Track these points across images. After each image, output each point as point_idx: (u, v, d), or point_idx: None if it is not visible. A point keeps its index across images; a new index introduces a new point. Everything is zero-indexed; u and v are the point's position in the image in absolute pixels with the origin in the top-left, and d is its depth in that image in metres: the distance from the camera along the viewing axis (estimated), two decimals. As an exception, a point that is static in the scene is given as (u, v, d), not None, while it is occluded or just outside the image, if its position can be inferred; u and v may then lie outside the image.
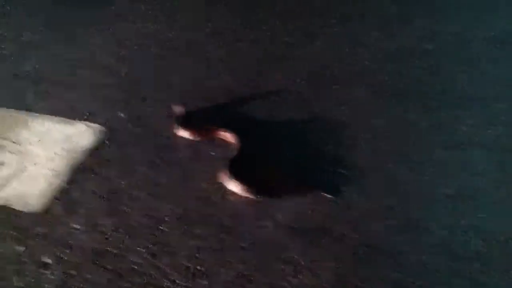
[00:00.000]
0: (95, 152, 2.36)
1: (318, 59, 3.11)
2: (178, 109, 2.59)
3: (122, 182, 2.19)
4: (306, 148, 2.37)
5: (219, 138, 2.43)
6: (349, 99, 2.72)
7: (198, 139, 2.43)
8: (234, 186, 2.11)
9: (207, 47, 3.25)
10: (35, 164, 2.30)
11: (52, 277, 1.81)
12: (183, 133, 2.45)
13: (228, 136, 2.41)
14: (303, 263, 1.83)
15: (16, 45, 3.25)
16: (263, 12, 3.66)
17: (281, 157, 2.34)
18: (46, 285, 1.78)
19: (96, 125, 2.54)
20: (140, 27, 3.47)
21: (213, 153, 2.36)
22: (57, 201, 2.11)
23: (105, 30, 3.42)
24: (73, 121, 2.57)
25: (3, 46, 3.20)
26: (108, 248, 1.90)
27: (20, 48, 3.20)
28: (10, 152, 2.36)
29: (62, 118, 2.59)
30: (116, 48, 3.18)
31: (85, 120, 2.58)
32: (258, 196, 2.08)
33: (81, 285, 1.77)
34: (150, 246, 1.90)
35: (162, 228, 1.98)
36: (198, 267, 1.82)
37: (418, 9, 3.64)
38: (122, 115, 2.61)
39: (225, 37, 3.33)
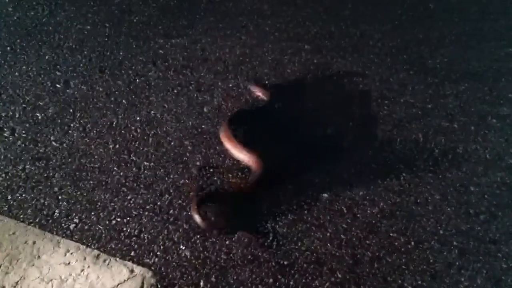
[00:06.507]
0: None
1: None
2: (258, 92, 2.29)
3: None
4: None
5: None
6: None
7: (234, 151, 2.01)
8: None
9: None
10: None
11: None
12: (226, 141, 2.04)
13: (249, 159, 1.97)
14: None
15: (56, 102, 2.27)
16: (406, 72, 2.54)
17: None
18: None
19: (143, 270, 1.57)
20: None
21: None
22: None
23: (183, 94, 2.38)
24: (111, 258, 1.62)
25: (41, 104, 2.24)
26: None
27: (61, 108, 2.23)
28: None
29: (96, 252, 1.63)
30: (194, 121, 2.16)
31: (129, 258, 1.61)
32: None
33: None
34: None
35: None
36: None
37: None
38: (186, 252, 1.62)
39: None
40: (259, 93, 2.27)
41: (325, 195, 1.90)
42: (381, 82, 2.45)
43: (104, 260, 1.65)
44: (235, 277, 1.62)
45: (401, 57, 2.61)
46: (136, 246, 1.70)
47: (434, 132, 2.19)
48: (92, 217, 1.79)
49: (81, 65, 2.47)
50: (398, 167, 2.02)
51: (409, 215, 1.84)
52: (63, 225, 1.76)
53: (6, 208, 1.80)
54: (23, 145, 2.04)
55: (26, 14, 2.76)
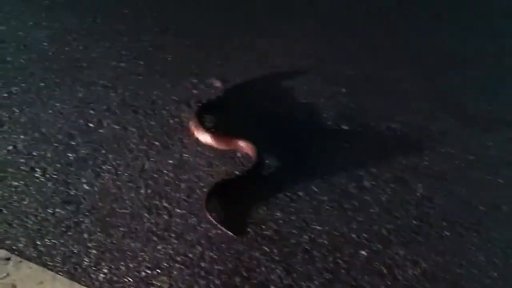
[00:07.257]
0: None
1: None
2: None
3: None
4: None
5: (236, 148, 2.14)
6: None
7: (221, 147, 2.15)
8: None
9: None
10: None
11: None
12: (204, 138, 2.16)
13: (246, 148, 2.11)
14: None
15: (89, 142, 2.26)
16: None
17: None
18: None
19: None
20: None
21: None
22: None
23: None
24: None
25: (73, 143, 2.22)
26: None
27: (93, 148, 2.22)
28: None
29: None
30: (227, 166, 2.11)
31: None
32: None
33: None
34: None
35: None
36: None
37: None
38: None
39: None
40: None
41: (363, 252, 1.81)
42: (420, 129, 2.36)
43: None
44: None
45: (440, 103, 2.52)
46: (164, 304, 1.62)
47: (477, 186, 2.09)
48: (122, 267, 1.73)
49: (115, 103, 2.45)
50: (440, 224, 1.92)
51: (453, 278, 1.74)
52: (91, 275, 1.70)
53: (35, 255, 1.76)
54: (54, 186, 2.00)
55: (61, 50, 2.77)
